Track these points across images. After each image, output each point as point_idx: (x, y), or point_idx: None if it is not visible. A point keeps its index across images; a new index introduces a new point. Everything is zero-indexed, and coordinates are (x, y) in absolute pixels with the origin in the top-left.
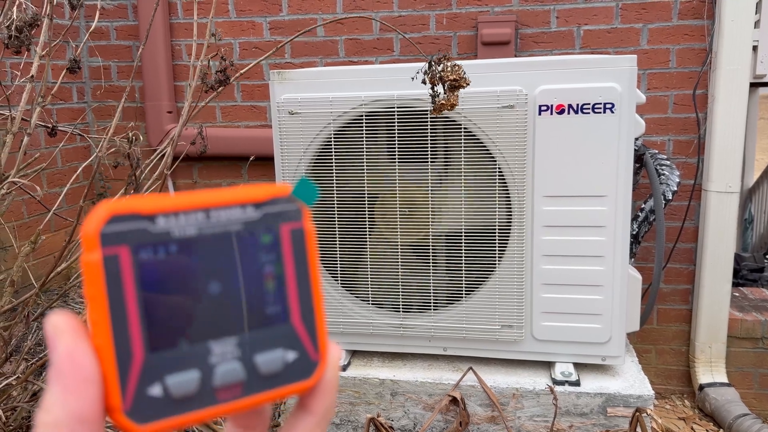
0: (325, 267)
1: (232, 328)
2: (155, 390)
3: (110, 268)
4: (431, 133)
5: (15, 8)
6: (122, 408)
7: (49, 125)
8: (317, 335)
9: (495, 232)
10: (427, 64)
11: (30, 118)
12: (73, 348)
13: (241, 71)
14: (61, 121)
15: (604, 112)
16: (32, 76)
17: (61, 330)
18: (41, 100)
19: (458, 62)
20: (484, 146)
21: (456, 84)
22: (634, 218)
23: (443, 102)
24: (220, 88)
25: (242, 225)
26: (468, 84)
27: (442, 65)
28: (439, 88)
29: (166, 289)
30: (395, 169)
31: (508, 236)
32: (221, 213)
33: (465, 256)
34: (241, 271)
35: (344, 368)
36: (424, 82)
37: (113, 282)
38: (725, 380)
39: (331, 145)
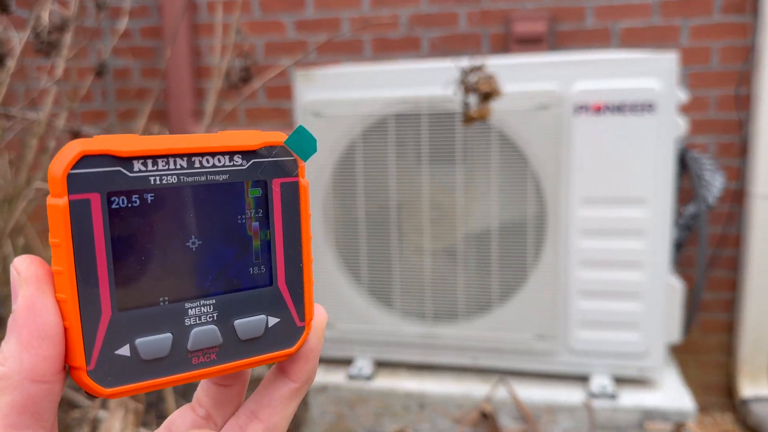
0: (350, 272)
1: (211, 289)
2: (123, 351)
3: (78, 215)
4: (462, 134)
5: (46, 13)
6: (86, 368)
7: (75, 128)
8: (304, 300)
9: (529, 238)
10: (460, 74)
11: (57, 121)
12: (33, 300)
13: (269, 76)
14: (84, 123)
15: (644, 112)
16: (58, 79)
17: (25, 278)
18: (69, 102)
19: (492, 66)
20: (518, 148)
21: (489, 96)
22: (675, 224)
23: (473, 115)
24: (245, 88)
25: (228, 175)
26: (501, 95)
27: (476, 75)
28: (472, 99)
29: (139, 243)
30: (424, 172)
31: (543, 242)
32: (205, 160)
33: (497, 263)
34: (223, 227)
35: (369, 378)
36: (455, 92)
37: (81, 231)
38: None
39: (357, 147)
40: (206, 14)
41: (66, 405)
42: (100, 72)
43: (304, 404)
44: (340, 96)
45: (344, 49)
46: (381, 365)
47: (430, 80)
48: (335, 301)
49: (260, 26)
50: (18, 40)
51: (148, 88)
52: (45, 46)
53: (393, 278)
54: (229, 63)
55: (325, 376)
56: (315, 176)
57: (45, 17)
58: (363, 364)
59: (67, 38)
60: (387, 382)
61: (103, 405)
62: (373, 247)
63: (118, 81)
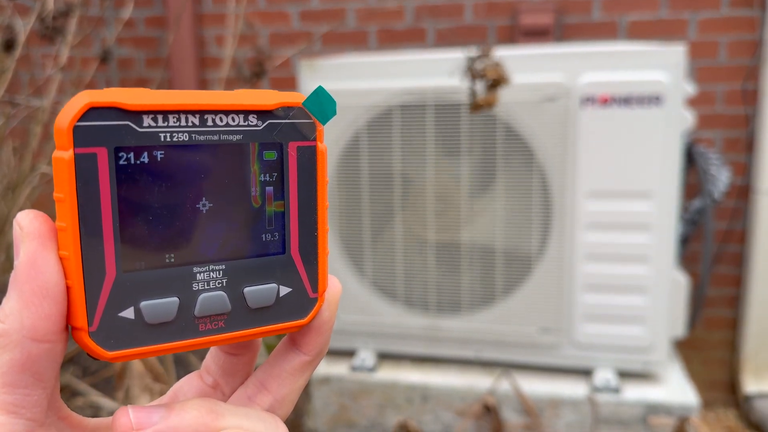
0: (354, 263)
1: (221, 254)
2: (127, 314)
3: (83, 170)
4: (468, 126)
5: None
6: (88, 329)
7: None
8: (317, 271)
9: (534, 231)
10: (467, 61)
11: (60, 109)
12: (36, 256)
13: (272, 65)
14: None
15: (651, 104)
16: (62, 67)
17: (27, 233)
18: (73, 90)
19: (499, 55)
20: (523, 140)
21: (496, 83)
22: (680, 218)
23: (480, 103)
24: (258, 84)
25: (242, 136)
26: (508, 82)
27: (483, 62)
28: (478, 86)
29: (147, 202)
30: (429, 164)
31: (548, 235)
32: (219, 119)
33: (502, 256)
34: (235, 190)
35: (372, 370)
36: (462, 80)
37: (86, 186)
38: None
39: (362, 137)
40: (211, 4)
41: (69, 393)
42: (104, 58)
43: (306, 395)
44: (345, 86)
45: (349, 40)
46: (384, 357)
47: (435, 71)
48: None
49: (265, 16)
50: (23, 27)
51: (152, 78)
52: (50, 31)
53: (397, 270)
54: (235, 54)
55: (328, 368)
56: None
57: (50, 3)
58: (366, 356)
59: (72, 24)
60: (390, 374)
61: (113, 396)
62: (377, 238)
63: (121, 70)
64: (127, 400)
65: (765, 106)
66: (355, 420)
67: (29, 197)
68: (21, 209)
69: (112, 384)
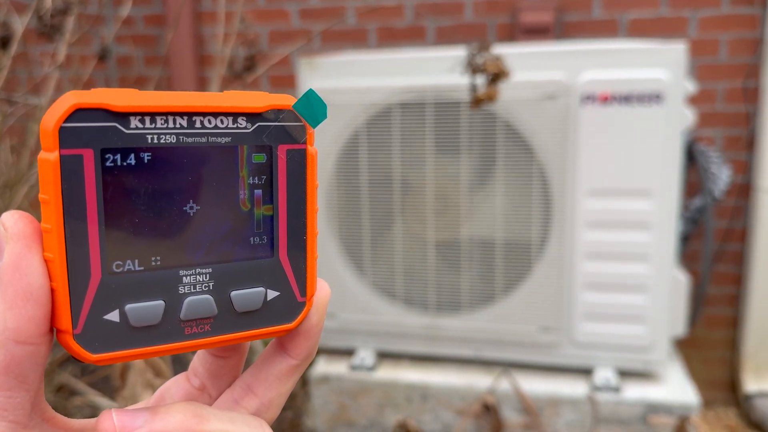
0: (353, 262)
1: (208, 257)
2: (112, 317)
3: (69, 171)
4: (467, 124)
5: None
6: (72, 332)
7: None
8: (306, 275)
9: (534, 230)
10: (467, 55)
11: None
12: (20, 258)
13: (271, 63)
14: None
15: (651, 102)
16: (60, 65)
17: (12, 234)
18: (72, 89)
19: (499, 51)
20: (523, 138)
21: (497, 77)
22: (681, 217)
23: (481, 97)
24: (249, 79)
25: (231, 138)
26: (508, 76)
27: (483, 56)
28: (479, 80)
29: (133, 204)
30: (429, 163)
31: (548, 234)
32: (207, 121)
33: (501, 254)
34: (223, 193)
35: (372, 369)
36: (462, 74)
37: (72, 188)
38: None
39: (362, 136)
40: (210, 2)
41: (68, 393)
42: (103, 56)
43: (306, 394)
44: (344, 84)
45: (349, 38)
46: (383, 356)
47: (435, 69)
48: (338, 291)
49: (264, 14)
50: (20, 24)
51: (151, 76)
52: (48, 29)
53: (396, 269)
54: (233, 52)
55: (327, 367)
56: (318, 165)
57: (48, 0)
58: (365, 355)
59: (70, 22)
60: (389, 373)
61: (112, 397)
62: (377, 237)
63: (120, 69)
64: (133, 399)
65: (766, 103)
66: (355, 419)
67: (26, 196)
68: (18, 207)
69: (110, 383)
